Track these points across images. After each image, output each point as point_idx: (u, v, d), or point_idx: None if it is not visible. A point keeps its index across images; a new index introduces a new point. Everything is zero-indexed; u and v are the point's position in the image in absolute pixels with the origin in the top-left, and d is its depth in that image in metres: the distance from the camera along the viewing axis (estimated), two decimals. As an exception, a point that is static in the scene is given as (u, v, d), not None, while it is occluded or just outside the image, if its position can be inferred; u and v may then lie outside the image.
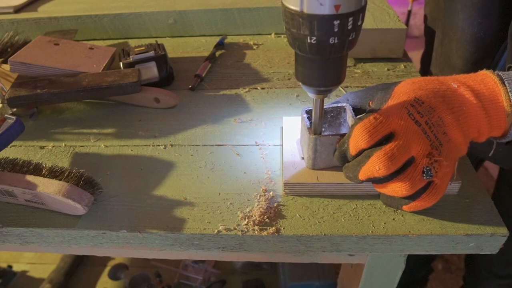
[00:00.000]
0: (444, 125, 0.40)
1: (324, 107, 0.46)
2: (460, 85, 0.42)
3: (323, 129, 0.50)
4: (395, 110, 0.41)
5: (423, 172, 0.39)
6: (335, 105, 0.49)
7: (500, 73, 0.41)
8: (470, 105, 0.41)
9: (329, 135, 0.46)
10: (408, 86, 0.42)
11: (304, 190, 0.47)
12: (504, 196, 0.81)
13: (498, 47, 0.61)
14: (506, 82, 0.40)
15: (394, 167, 0.39)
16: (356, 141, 0.41)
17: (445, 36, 0.69)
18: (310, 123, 0.47)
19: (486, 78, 0.41)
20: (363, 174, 0.41)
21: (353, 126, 0.42)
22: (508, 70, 0.54)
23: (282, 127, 0.55)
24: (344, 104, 0.48)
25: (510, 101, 0.40)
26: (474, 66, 0.64)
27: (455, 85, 0.42)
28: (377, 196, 0.46)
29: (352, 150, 0.42)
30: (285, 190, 0.47)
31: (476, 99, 0.41)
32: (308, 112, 0.48)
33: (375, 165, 0.40)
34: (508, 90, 0.40)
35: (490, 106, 0.41)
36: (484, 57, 0.63)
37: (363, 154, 0.41)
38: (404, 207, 0.43)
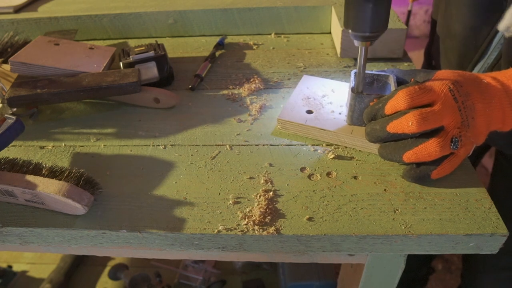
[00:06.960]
0: (474, 111, 0.45)
1: (373, 72, 0.53)
2: (492, 80, 0.46)
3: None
4: (438, 84, 0.45)
5: (451, 141, 0.43)
6: (383, 73, 0.53)
7: None
8: (499, 98, 0.45)
9: (368, 94, 0.50)
10: (449, 72, 0.47)
11: (293, 128, 0.55)
12: (498, 192, 0.81)
13: (498, 14, 0.61)
14: None
15: (424, 127, 0.43)
16: (397, 102, 0.45)
17: (448, 4, 0.71)
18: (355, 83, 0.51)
19: None
20: (392, 126, 0.45)
21: (396, 90, 0.46)
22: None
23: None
24: (390, 74, 0.53)
25: None
26: (472, 32, 0.66)
27: (485, 81, 0.47)
28: (377, 195, 0.46)
29: (388, 109, 0.46)
30: (278, 126, 0.56)
31: (505, 93, 0.45)
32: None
33: (408, 120, 0.43)
34: None
35: None
36: (482, 24, 0.64)
37: (399, 112, 0.45)
38: (434, 173, 0.45)
